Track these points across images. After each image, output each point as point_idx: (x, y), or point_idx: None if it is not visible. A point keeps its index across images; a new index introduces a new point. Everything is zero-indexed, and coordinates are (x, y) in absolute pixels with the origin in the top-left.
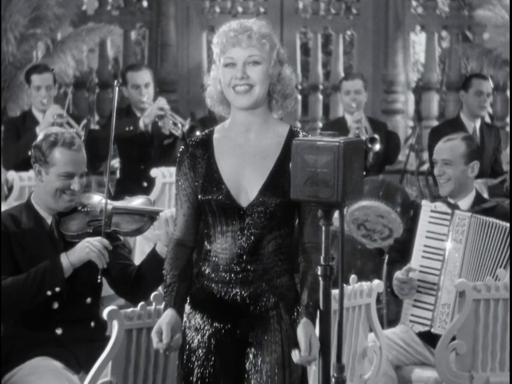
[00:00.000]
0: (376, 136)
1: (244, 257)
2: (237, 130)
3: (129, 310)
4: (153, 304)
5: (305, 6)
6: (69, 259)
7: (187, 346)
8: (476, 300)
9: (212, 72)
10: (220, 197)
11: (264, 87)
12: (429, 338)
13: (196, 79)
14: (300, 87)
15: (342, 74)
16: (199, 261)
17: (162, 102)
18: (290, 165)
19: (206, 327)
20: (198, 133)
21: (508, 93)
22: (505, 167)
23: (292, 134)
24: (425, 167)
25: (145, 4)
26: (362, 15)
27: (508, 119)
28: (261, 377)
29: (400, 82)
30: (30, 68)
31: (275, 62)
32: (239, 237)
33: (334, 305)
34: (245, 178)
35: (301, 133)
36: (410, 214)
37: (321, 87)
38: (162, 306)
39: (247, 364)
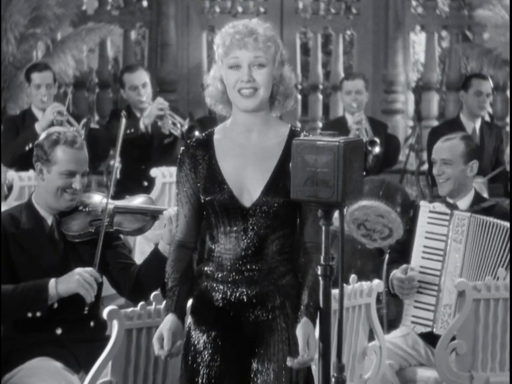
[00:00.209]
0: (376, 139)
1: (248, 257)
2: (238, 131)
3: (129, 309)
4: (153, 304)
5: (305, 6)
6: (57, 289)
7: (192, 347)
8: (476, 300)
9: (211, 72)
10: (223, 197)
11: (268, 89)
12: (431, 339)
13: (196, 79)
14: (299, 87)
15: (342, 74)
16: (201, 262)
17: (161, 101)
18: (290, 164)
19: (211, 328)
20: (197, 133)
21: (508, 93)
22: (506, 167)
23: (293, 134)
24: (425, 167)
25: (145, 3)
26: (362, 15)
27: (508, 119)
28: (268, 376)
29: (400, 82)
30: (30, 66)
31: (278, 64)
32: (243, 237)
33: (334, 305)
34: (247, 179)
35: (302, 133)
36: (410, 214)
37: (321, 87)
38: (162, 306)
39: (254, 363)
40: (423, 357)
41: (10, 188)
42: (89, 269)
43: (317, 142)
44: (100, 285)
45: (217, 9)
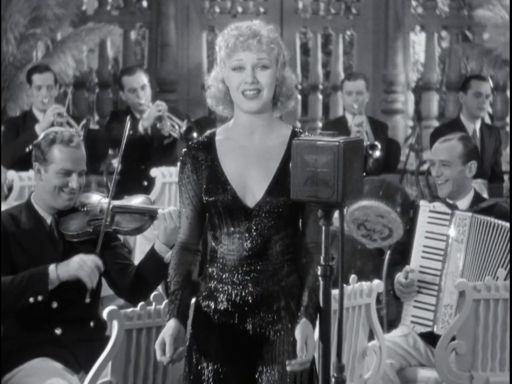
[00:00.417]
0: (377, 143)
1: (252, 258)
2: (241, 132)
3: (129, 310)
4: (153, 304)
5: (305, 6)
6: (58, 271)
7: (196, 348)
8: (476, 300)
9: (213, 73)
10: (226, 197)
11: (272, 90)
12: (431, 339)
13: (196, 79)
14: (299, 87)
15: (342, 74)
16: (204, 263)
17: (159, 103)
18: (290, 164)
19: (216, 329)
20: (195, 134)
21: (508, 93)
22: (505, 167)
23: (295, 135)
24: (425, 167)
25: (145, 4)
26: (362, 15)
27: (508, 119)
28: (272, 377)
29: (400, 82)
30: (31, 68)
31: (281, 65)
32: (246, 238)
33: (334, 305)
34: (250, 179)
35: (304, 134)
36: (410, 214)
37: (321, 87)
38: (162, 306)
39: (259, 364)
40: (423, 357)
41: (10, 188)
42: (92, 256)
43: (317, 142)
44: (99, 285)
45: (217, 10)
